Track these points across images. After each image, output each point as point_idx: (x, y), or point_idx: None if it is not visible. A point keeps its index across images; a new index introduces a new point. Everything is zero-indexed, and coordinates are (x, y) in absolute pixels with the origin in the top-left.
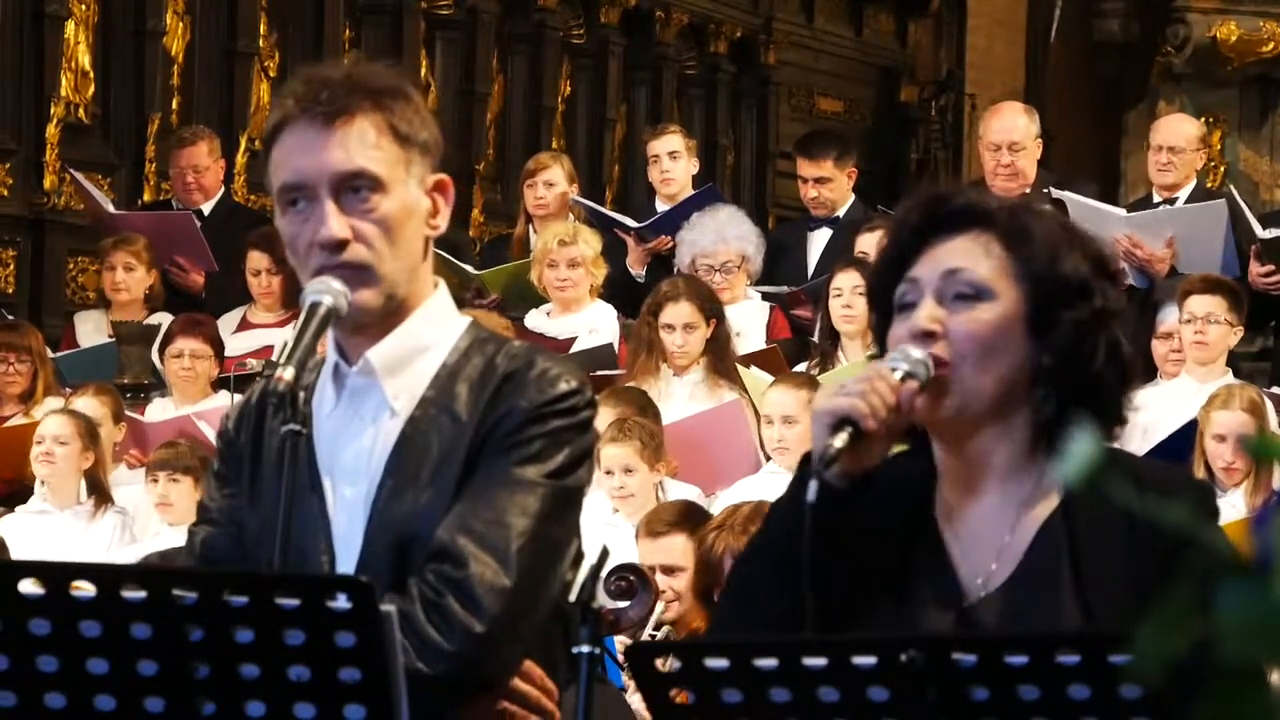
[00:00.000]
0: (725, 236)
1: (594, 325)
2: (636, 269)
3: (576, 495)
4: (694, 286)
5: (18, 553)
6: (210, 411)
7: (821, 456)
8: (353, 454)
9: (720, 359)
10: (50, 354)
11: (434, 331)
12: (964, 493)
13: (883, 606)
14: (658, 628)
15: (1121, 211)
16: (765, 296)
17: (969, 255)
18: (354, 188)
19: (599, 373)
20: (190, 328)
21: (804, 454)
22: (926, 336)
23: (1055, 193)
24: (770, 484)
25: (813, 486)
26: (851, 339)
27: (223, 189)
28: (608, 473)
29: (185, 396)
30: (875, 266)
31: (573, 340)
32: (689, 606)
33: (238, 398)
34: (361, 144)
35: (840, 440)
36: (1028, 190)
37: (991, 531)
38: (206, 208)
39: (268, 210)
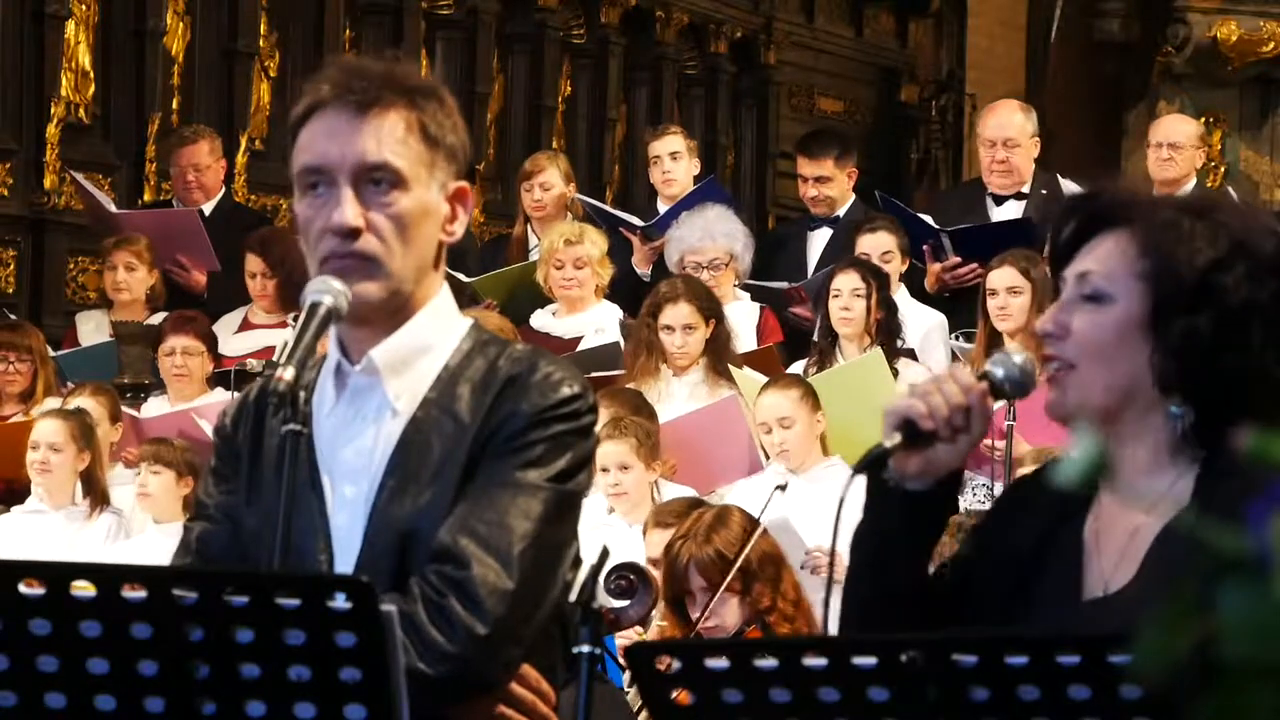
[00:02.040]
0: (713, 234)
1: (600, 325)
2: (642, 268)
3: (577, 499)
4: (693, 287)
5: (12, 553)
6: (208, 408)
7: (866, 455)
8: (353, 453)
9: (720, 359)
10: (51, 353)
11: (437, 332)
12: (1110, 491)
13: (1005, 597)
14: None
15: None
16: (763, 293)
17: (1103, 257)
18: (374, 180)
19: (601, 373)
20: (181, 325)
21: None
22: (1046, 336)
23: (1061, 180)
24: (772, 485)
25: (847, 482)
26: (850, 340)
27: (223, 189)
28: (603, 470)
29: (180, 394)
30: (1049, 262)
31: (579, 340)
32: (665, 616)
33: (236, 394)
34: (389, 137)
35: (890, 441)
36: (1023, 187)
37: (1120, 534)
38: (207, 208)
39: (268, 210)
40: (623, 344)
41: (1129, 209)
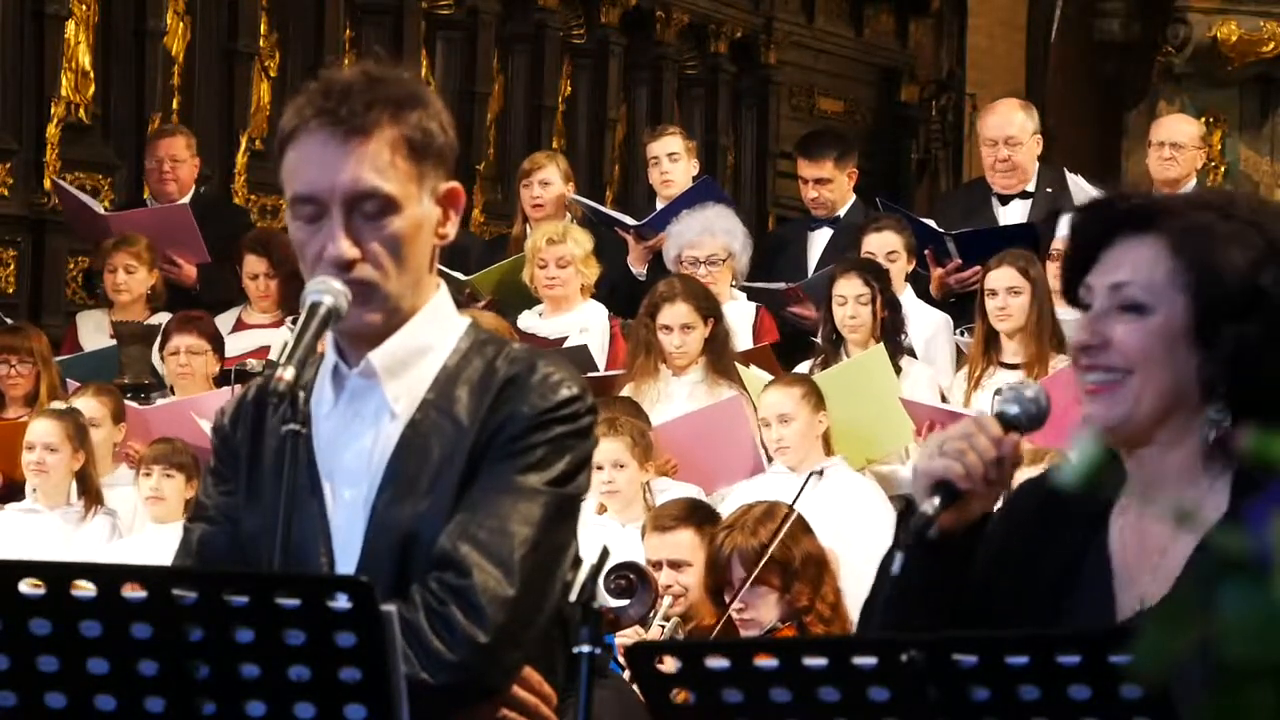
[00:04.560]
0: (712, 230)
1: (585, 325)
2: (638, 267)
3: (577, 502)
4: (690, 287)
5: (9, 551)
6: (205, 403)
7: (910, 526)
8: (352, 456)
9: (719, 358)
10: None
11: (435, 333)
12: (1139, 501)
13: (1035, 620)
14: (666, 619)
15: None
16: (761, 293)
17: (1136, 266)
18: (366, 207)
19: (590, 375)
20: (186, 324)
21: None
22: (1086, 349)
23: (1068, 175)
24: (776, 485)
25: (897, 560)
26: (857, 345)
27: (194, 188)
28: (598, 467)
29: (185, 394)
30: (1063, 265)
31: (563, 340)
32: (700, 603)
33: (236, 390)
34: (377, 162)
35: (931, 506)
36: (1027, 186)
37: (1152, 546)
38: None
39: (268, 210)
40: (606, 344)
41: (1153, 213)
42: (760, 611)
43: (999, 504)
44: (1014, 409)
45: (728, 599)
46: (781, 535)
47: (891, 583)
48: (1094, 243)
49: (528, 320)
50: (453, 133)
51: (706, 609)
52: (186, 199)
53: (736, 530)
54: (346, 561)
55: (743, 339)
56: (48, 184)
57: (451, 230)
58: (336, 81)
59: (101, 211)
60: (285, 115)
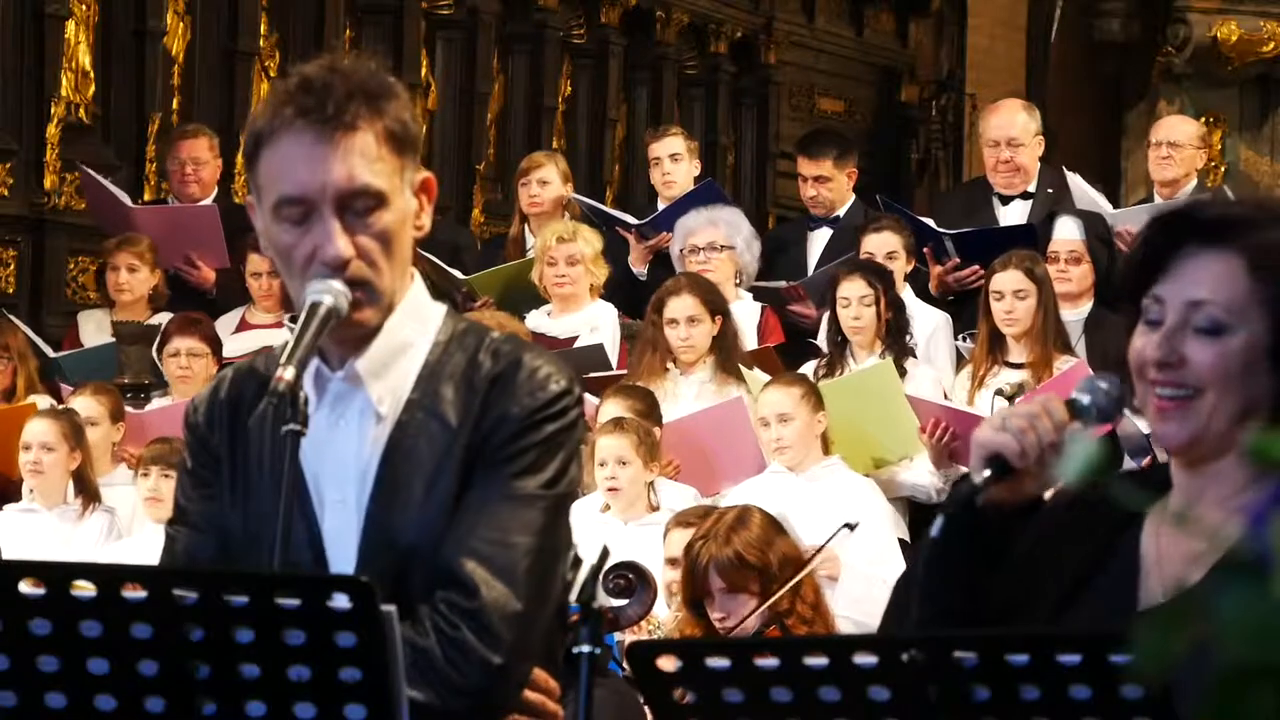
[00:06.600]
0: (715, 220)
1: (595, 324)
2: (638, 267)
3: (570, 499)
4: (696, 281)
5: (8, 551)
6: None
7: (957, 492)
8: (338, 459)
9: (728, 358)
10: (52, 352)
11: (414, 327)
12: (1173, 520)
13: (1056, 611)
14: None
15: (1109, 206)
16: (762, 291)
17: (1214, 283)
18: (357, 204)
19: (598, 374)
20: (186, 326)
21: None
22: (1161, 365)
23: (1067, 174)
24: (774, 485)
25: (938, 523)
26: (861, 347)
27: (216, 189)
28: (600, 464)
29: (184, 396)
30: (1125, 270)
31: (574, 339)
32: (682, 615)
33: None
34: (364, 158)
35: (979, 477)
36: (1028, 186)
37: (1179, 559)
38: (204, 204)
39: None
40: (616, 344)
41: (1227, 227)
42: (742, 619)
43: (1049, 493)
44: (1085, 399)
45: (709, 609)
46: (773, 541)
47: (930, 545)
48: (1163, 252)
49: (536, 320)
50: (419, 119)
51: (687, 621)
52: (208, 201)
53: (710, 540)
54: (339, 564)
55: (748, 339)
56: (48, 184)
57: (426, 221)
58: (313, 78)
59: (128, 204)
60: (259, 117)
